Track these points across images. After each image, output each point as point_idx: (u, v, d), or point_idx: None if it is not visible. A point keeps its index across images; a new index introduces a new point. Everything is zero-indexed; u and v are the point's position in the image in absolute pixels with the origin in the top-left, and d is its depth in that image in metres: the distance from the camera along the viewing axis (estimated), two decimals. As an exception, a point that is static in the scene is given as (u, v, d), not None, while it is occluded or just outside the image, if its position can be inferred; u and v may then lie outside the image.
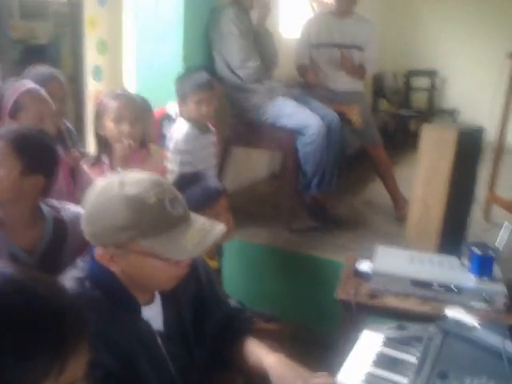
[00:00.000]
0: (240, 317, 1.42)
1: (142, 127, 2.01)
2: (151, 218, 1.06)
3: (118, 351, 1.08)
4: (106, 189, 1.09)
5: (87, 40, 5.64)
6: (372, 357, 1.35)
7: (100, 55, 5.81)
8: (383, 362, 1.32)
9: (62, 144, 2.16)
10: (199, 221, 1.15)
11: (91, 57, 5.71)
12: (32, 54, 5.78)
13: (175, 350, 1.22)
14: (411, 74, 6.35)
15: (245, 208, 3.12)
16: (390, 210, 3.30)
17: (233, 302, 1.45)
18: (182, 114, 2.38)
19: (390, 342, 1.41)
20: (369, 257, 2.10)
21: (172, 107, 2.46)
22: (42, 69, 2.26)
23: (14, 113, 1.85)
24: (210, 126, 2.46)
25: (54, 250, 1.51)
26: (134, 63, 3.05)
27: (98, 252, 1.10)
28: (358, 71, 3.42)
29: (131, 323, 1.13)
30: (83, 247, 1.20)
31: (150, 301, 1.21)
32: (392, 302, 1.89)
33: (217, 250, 1.98)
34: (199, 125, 2.36)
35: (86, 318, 0.64)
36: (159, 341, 1.19)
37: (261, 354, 1.28)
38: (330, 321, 2.24)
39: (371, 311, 1.93)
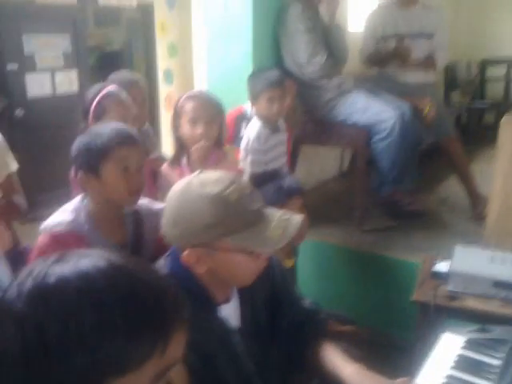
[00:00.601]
0: (315, 318, 1.42)
1: (217, 128, 2.04)
2: (235, 214, 1.10)
3: (198, 348, 1.11)
4: (187, 190, 1.13)
5: (158, 44, 5.84)
6: (453, 359, 1.31)
7: (171, 58, 6.00)
8: (464, 364, 1.29)
9: (142, 148, 2.23)
10: (277, 213, 1.17)
11: (162, 60, 5.91)
12: (107, 59, 6.06)
13: (252, 348, 1.24)
14: (486, 62, 6.04)
15: (316, 207, 3.10)
16: (467, 207, 3.16)
17: (307, 303, 1.45)
18: (253, 113, 2.39)
19: (471, 345, 1.37)
20: (446, 257, 2.04)
21: (249, 107, 2.49)
22: (124, 74, 2.35)
23: (98, 116, 1.93)
24: (281, 124, 2.47)
25: (136, 245, 1.55)
26: (205, 65, 3.10)
27: (185, 254, 1.13)
28: (424, 64, 3.32)
29: (208, 321, 1.16)
30: (159, 243, 1.24)
31: (228, 299, 1.23)
32: (473, 304, 1.83)
33: (291, 250, 1.99)
34: (270, 123, 2.37)
35: (184, 300, 0.66)
36: (237, 338, 1.21)
37: (338, 363, 1.27)
38: (405, 323, 2.19)
39: (450, 313, 1.88)
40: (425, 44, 3.30)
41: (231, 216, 1.09)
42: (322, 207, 3.20)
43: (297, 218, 1.18)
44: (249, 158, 2.30)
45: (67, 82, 4.89)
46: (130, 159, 1.48)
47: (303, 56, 2.84)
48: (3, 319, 0.60)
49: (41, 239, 1.48)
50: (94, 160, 1.45)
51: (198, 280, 1.16)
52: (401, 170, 2.86)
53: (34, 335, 0.57)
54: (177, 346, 0.62)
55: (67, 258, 0.62)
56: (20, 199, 2.01)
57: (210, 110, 2.02)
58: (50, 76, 4.75)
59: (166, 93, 5.90)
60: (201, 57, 5.26)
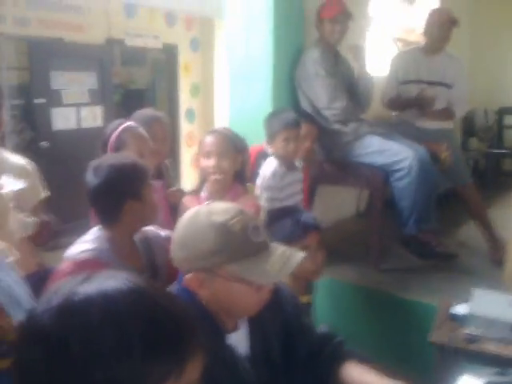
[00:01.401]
0: (332, 342, 1.41)
1: (231, 162, 2.09)
2: (236, 244, 1.14)
3: (205, 375, 1.12)
4: (195, 217, 1.18)
5: (181, 84, 6.02)
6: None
7: (193, 98, 6.16)
8: (483, 408, 1.27)
9: (162, 181, 2.29)
10: (280, 248, 1.21)
11: (184, 99, 6.07)
12: (131, 97, 6.23)
13: (262, 375, 1.24)
14: (503, 111, 6.08)
15: (332, 246, 3.09)
16: (486, 252, 3.14)
17: (322, 329, 1.44)
18: (270, 152, 2.45)
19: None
20: (464, 300, 2.02)
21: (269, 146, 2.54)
22: (148, 111, 2.42)
23: (116, 149, 2.00)
24: (297, 163, 2.51)
25: (151, 270, 1.64)
26: (226, 104, 3.19)
27: (189, 277, 1.17)
28: (442, 115, 3.36)
29: (216, 348, 1.16)
30: (171, 268, 1.28)
31: (237, 327, 1.25)
32: (491, 347, 1.80)
33: (307, 286, 1.99)
34: (287, 162, 2.42)
35: (199, 327, 0.67)
36: (245, 366, 1.22)
37: (374, 380, 1.28)
38: (422, 365, 2.15)
39: (468, 356, 1.85)
40: (444, 93, 3.35)
41: (232, 245, 1.13)
42: (339, 246, 3.19)
43: (298, 255, 1.20)
44: (264, 195, 2.34)
45: (92, 117, 5.04)
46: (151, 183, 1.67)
47: (323, 100, 2.89)
48: (30, 332, 0.62)
49: (64, 266, 1.53)
50: (139, 186, 1.59)
51: (205, 306, 1.18)
52: (423, 210, 2.85)
53: (58, 348, 0.59)
54: (193, 371, 0.64)
55: (94, 278, 0.65)
56: (50, 217, 2.07)
57: (223, 145, 2.10)
58: (75, 111, 4.90)
59: (188, 131, 6.04)
60: (222, 97, 5.41)
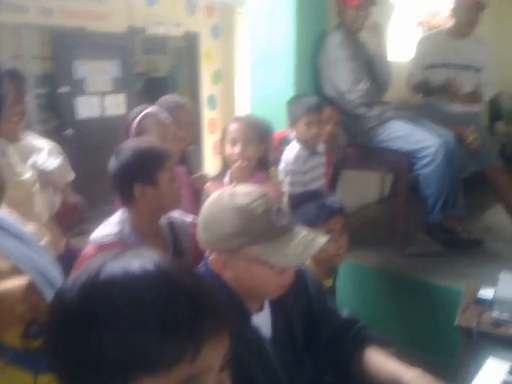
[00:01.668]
0: (354, 327, 1.42)
1: (256, 149, 2.10)
2: (259, 227, 1.14)
3: (231, 356, 1.13)
4: (219, 200, 1.20)
5: (203, 71, 6.01)
6: (497, 384, 1.27)
7: (214, 85, 6.15)
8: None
9: (186, 168, 2.30)
10: (302, 232, 1.20)
11: (206, 87, 6.07)
12: (153, 85, 6.26)
13: (284, 357, 1.25)
14: (531, 93, 5.95)
15: (356, 231, 3.08)
16: (512, 236, 3.10)
17: (345, 314, 1.45)
18: (293, 136, 2.44)
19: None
20: (491, 284, 1.99)
21: (292, 132, 2.53)
22: (172, 97, 2.43)
23: (137, 134, 2.01)
24: (320, 147, 2.50)
25: (176, 254, 1.65)
26: (247, 91, 3.18)
27: (213, 258, 1.19)
28: (470, 98, 3.29)
29: (241, 329, 1.17)
30: (198, 252, 1.29)
31: (260, 309, 1.26)
32: (518, 332, 1.78)
33: (330, 270, 1.99)
34: (309, 146, 2.41)
35: (226, 311, 0.66)
36: (269, 347, 1.23)
37: (396, 366, 1.28)
38: (447, 349, 2.14)
39: (494, 340, 1.82)
40: (472, 77, 3.29)
41: (254, 227, 1.14)
42: (362, 231, 3.18)
43: (321, 239, 1.20)
44: (287, 179, 2.34)
45: (115, 104, 5.08)
46: (173, 169, 1.64)
47: (345, 83, 2.86)
48: (56, 310, 0.64)
49: (88, 249, 1.56)
50: (152, 171, 1.58)
51: (230, 287, 1.19)
52: (449, 197, 2.81)
53: (77, 325, 0.60)
54: (211, 354, 0.62)
55: (120, 256, 0.65)
56: (79, 199, 2.12)
57: (248, 132, 2.10)
58: (98, 99, 4.94)
59: (209, 118, 6.04)
60: (243, 83, 5.39)
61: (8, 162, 1.67)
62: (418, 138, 2.76)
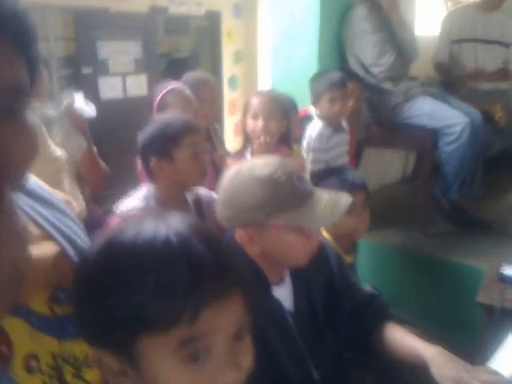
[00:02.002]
0: (376, 302, 1.42)
1: (278, 124, 2.09)
2: (284, 194, 1.15)
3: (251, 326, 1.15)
4: (238, 175, 1.20)
5: (224, 51, 5.98)
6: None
7: (236, 65, 6.11)
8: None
9: (209, 145, 2.31)
10: (326, 194, 1.21)
11: (227, 67, 6.03)
12: (175, 65, 6.24)
13: (305, 330, 1.26)
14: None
15: (377, 209, 3.06)
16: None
17: (368, 289, 1.45)
18: (316, 113, 2.43)
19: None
20: (515, 262, 1.98)
21: (313, 108, 2.52)
22: (197, 74, 2.44)
23: (161, 109, 2.02)
24: (344, 124, 2.48)
25: None
26: (270, 69, 3.16)
27: (238, 234, 1.19)
28: (498, 75, 3.22)
29: (263, 301, 1.18)
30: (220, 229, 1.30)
31: (281, 281, 1.26)
32: (542, 308, 1.76)
33: (351, 246, 1.99)
34: (332, 123, 2.39)
35: (241, 278, 0.66)
36: (290, 319, 1.23)
37: (416, 343, 1.27)
38: (467, 328, 2.14)
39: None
40: (501, 52, 3.22)
41: (281, 195, 1.14)
42: (384, 210, 3.15)
43: (346, 198, 1.21)
44: (310, 157, 2.33)
45: (137, 85, 5.10)
46: (198, 145, 1.62)
47: (370, 56, 2.82)
48: (78, 270, 0.66)
49: (113, 222, 1.57)
50: (168, 146, 1.56)
51: (252, 260, 1.20)
52: (467, 177, 2.79)
53: (91, 286, 0.63)
54: (213, 318, 0.61)
55: (141, 221, 0.66)
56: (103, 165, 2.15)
57: (270, 107, 2.08)
58: (121, 80, 4.97)
59: (230, 98, 6.02)
60: (266, 63, 5.35)
61: (41, 135, 1.68)
62: (444, 116, 2.72)
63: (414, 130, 2.84)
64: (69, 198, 0.94)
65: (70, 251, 0.78)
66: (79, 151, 1.96)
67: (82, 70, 4.67)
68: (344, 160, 2.46)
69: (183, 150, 1.58)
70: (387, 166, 3.69)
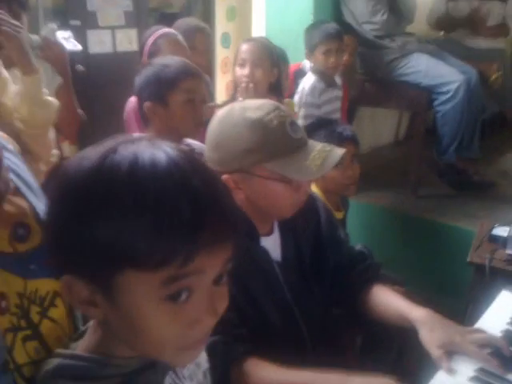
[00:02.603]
0: (366, 262, 1.38)
1: (266, 73, 2.02)
2: (274, 141, 1.09)
3: (236, 275, 1.11)
4: (229, 116, 1.13)
5: (217, 7, 5.80)
6: (510, 316, 1.24)
7: (229, 22, 5.93)
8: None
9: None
10: (318, 145, 1.16)
11: (220, 24, 5.85)
12: (166, 21, 6.06)
13: (293, 281, 1.23)
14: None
15: (369, 172, 3.03)
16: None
17: (359, 247, 1.41)
18: (310, 67, 2.35)
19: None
20: (506, 223, 1.96)
21: (307, 64, 2.44)
22: (191, 20, 2.37)
23: (153, 54, 1.94)
24: (338, 79, 2.41)
25: None
26: (263, 25, 3.06)
27: (224, 179, 1.12)
28: (496, 31, 3.14)
29: (250, 250, 1.15)
30: None
31: (270, 231, 1.22)
32: (532, 269, 1.75)
33: (341, 202, 1.96)
34: (326, 78, 2.32)
35: (236, 223, 0.62)
36: (277, 269, 1.20)
37: (404, 305, 1.21)
38: (455, 290, 2.13)
39: (506, 278, 1.80)
40: (498, 8, 3.14)
41: (270, 142, 1.08)
42: (375, 172, 3.12)
43: (339, 150, 1.16)
44: (302, 112, 2.27)
45: (127, 40, 4.95)
46: (196, 92, 1.53)
47: (363, 14, 2.74)
48: (62, 182, 0.60)
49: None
50: (163, 89, 1.49)
51: (240, 207, 1.14)
52: (465, 138, 2.74)
53: (76, 203, 0.57)
54: (205, 262, 0.58)
55: (136, 142, 0.61)
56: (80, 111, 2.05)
57: (258, 54, 2.02)
58: (110, 33, 4.83)
59: (223, 56, 5.89)
60: (259, 21, 5.21)
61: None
62: (440, 73, 2.66)
63: (409, 87, 2.78)
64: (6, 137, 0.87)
65: (23, 188, 0.75)
66: (51, 87, 1.85)
67: (69, 22, 4.53)
68: (336, 116, 2.40)
69: (179, 94, 1.50)
70: (380, 129, 3.64)
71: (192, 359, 0.68)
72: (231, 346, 1.04)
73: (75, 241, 0.57)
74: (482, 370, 1.03)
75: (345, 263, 1.35)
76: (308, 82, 2.30)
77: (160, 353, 0.63)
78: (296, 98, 2.30)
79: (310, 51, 2.31)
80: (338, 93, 2.41)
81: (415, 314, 1.16)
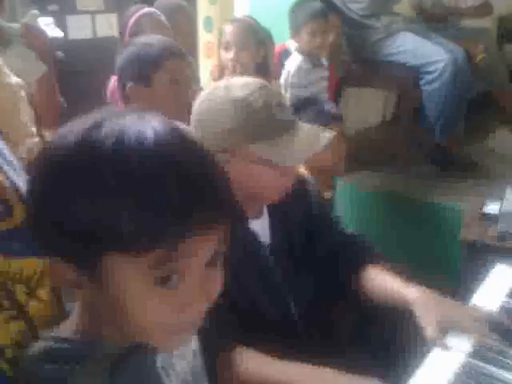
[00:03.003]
0: (358, 244, 1.36)
1: (251, 54, 1.98)
2: (259, 122, 1.05)
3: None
4: (213, 94, 1.09)
5: (199, -10, 5.73)
6: (507, 289, 1.23)
7: (211, 5, 5.86)
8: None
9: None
10: (306, 127, 1.12)
11: (202, 7, 5.77)
12: (147, 4, 5.99)
13: (283, 263, 1.20)
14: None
15: (356, 153, 3.01)
16: (516, 158, 3.03)
17: (350, 231, 1.39)
18: (295, 48, 2.32)
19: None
20: (496, 199, 1.96)
21: (292, 44, 2.40)
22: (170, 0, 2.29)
23: (134, 34, 1.89)
24: (324, 60, 2.37)
25: None
26: (247, 7, 3.00)
27: None
28: (480, 11, 3.11)
29: (238, 233, 1.12)
30: None
31: (258, 214, 1.19)
32: (523, 245, 1.75)
33: (328, 183, 1.94)
34: (312, 58, 2.29)
35: (230, 202, 0.59)
36: (266, 252, 1.17)
37: (398, 285, 1.19)
38: (446, 269, 2.13)
39: (497, 254, 1.79)
40: None
41: (255, 122, 1.04)
42: (362, 153, 3.10)
43: (328, 133, 1.12)
44: (288, 93, 2.23)
45: (107, 25, 4.87)
46: (181, 72, 1.48)
47: None
48: (44, 156, 0.57)
49: None
50: (146, 69, 1.44)
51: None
52: (450, 118, 2.72)
53: (58, 180, 0.54)
54: (197, 244, 0.55)
55: (123, 116, 0.57)
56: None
57: (242, 35, 1.98)
58: (90, 19, 4.74)
59: (206, 41, 5.81)
60: (242, 2, 5.14)
61: None
62: (426, 52, 2.63)
63: (395, 68, 2.75)
64: None
65: (2, 163, 0.72)
66: (35, 75, 1.79)
67: (47, 7, 4.42)
68: (323, 97, 2.36)
69: (163, 74, 1.45)
70: (367, 110, 3.61)
71: (180, 344, 0.66)
72: (219, 332, 0.99)
73: (57, 220, 0.54)
74: (480, 346, 1.01)
75: (336, 246, 1.32)
76: (294, 62, 2.26)
77: (149, 337, 0.60)
78: (282, 79, 2.26)
79: (296, 31, 2.28)
80: (324, 73, 2.38)
81: (411, 294, 1.14)
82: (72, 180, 0.53)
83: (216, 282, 0.61)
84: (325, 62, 2.40)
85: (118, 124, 0.55)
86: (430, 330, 1.04)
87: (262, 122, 1.05)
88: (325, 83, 2.39)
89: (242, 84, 1.08)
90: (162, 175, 0.52)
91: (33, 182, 0.58)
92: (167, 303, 0.56)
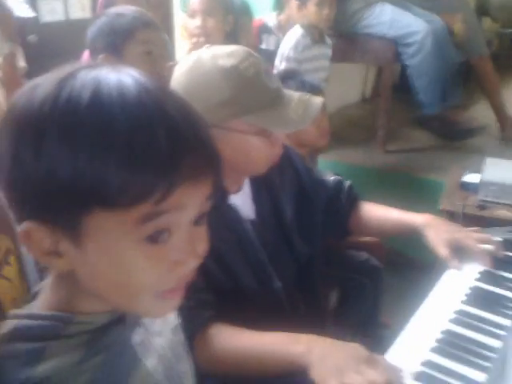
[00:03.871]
0: (343, 188, 1.38)
1: (219, 22, 1.91)
2: (252, 91, 1.00)
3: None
4: (197, 64, 1.03)
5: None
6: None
7: (186, -16, 5.76)
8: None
9: None
10: (295, 94, 1.09)
11: (178, -13, 5.67)
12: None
13: (268, 238, 1.18)
14: (519, -13, 5.69)
15: (337, 131, 3.00)
16: (495, 131, 3.03)
17: (332, 178, 1.39)
18: (299, 21, 2.24)
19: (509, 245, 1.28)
20: (476, 170, 1.96)
21: (271, 18, 2.34)
22: None
23: (107, 7, 1.84)
24: (327, 37, 2.31)
25: None
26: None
27: None
28: None
29: (217, 209, 1.10)
30: None
31: (238, 189, 1.16)
32: (504, 213, 1.76)
33: (312, 157, 1.92)
34: (315, 33, 2.23)
35: (214, 153, 0.57)
36: (248, 226, 1.14)
37: (402, 214, 1.29)
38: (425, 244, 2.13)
39: (479, 223, 1.79)
40: None
41: (248, 92, 1.00)
42: (343, 130, 3.10)
43: (318, 99, 1.10)
44: (282, 66, 2.18)
45: (80, 7, 4.75)
46: (154, 43, 1.44)
47: None
48: (15, 109, 0.53)
49: None
50: (118, 40, 1.39)
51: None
52: (442, 88, 2.70)
53: (34, 131, 0.51)
54: (185, 197, 0.53)
55: (97, 67, 0.54)
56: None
57: (208, 2, 1.90)
58: (62, 0, 4.62)
59: (182, 22, 5.72)
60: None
61: None
62: (405, 23, 2.60)
63: (374, 40, 2.72)
64: None
65: None
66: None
67: (17, -11, 4.29)
68: (321, 76, 2.31)
69: (135, 45, 1.41)
70: (346, 87, 3.58)
71: (169, 310, 0.63)
72: (196, 311, 0.98)
73: (35, 178, 0.50)
74: (486, 271, 1.13)
75: (331, 197, 1.34)
76: (293, 36, 2.20)
77: (137, 302, 0.57)
78: (279, 51, 2.20)
79: (302, 3, 2.21)
80: (327, 51, 2.33)
81: (417, 219, 1.23)
82: (50, 135, 0.50)
83: (203, 240, 0.60)
84: (329, 40, 2.34)
85: (93, 74, 0.52)
86: (442, 250, 1.13)
87: (255, 91, 1.01)
88: (325, 61, 2.33)
89: (228, 52, 1.02)
90: (149, 124, 0.50)
91: (4, 142, 0.53)
92: (156, 261, 0.54)
